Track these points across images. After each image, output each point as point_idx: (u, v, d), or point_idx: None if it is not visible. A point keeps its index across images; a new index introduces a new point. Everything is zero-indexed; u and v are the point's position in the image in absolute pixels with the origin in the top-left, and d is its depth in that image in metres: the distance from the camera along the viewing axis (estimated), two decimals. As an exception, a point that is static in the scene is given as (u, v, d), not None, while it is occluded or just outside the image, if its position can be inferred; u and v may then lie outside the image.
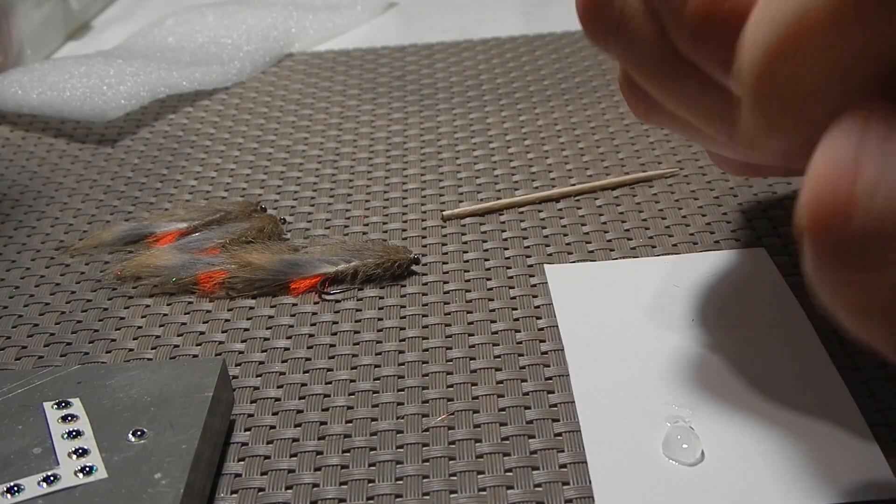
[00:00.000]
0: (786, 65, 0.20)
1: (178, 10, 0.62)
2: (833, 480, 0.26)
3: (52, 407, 0.29)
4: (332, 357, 0.34)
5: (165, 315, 0.36)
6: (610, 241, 0.38)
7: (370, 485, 0.28)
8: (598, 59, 0.54)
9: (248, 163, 0.47)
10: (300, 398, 0.32)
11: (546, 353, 0.33)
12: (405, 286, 0.37)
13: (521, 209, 0.41)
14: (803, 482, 0.26)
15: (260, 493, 0.28)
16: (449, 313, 0.35)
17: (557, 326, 0.34)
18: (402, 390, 0.32)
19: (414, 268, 0.38)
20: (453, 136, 0.48)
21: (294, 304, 0.36)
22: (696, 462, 0.27)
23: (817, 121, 0.21)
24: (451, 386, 0.32)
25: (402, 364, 0.33)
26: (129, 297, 0.37)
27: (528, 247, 0.38)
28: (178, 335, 0.35)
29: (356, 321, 0.35)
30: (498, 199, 0.42)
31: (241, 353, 0.34)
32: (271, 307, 0.36)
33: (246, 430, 0.31)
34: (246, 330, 0.35)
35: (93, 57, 0.55)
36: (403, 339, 0.34)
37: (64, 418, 0.29)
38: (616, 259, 0.37)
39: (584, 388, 0.31)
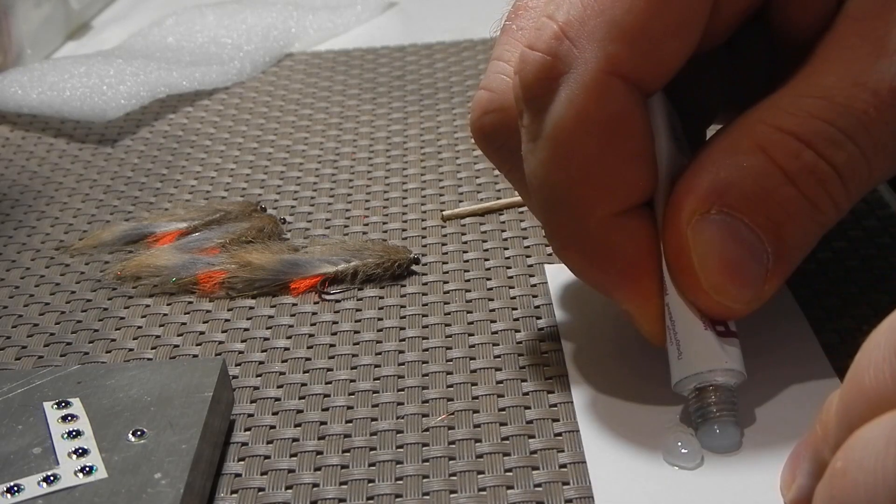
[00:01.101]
0: None
1: (178, 10, 0.61)
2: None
3: (52, 407, 0.29)
4: (332, 357, 0.34)
5: (165, 315, 0.36)
6: (610, 241, 0.38)
7: (370, 485, 0.28)
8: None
9: (248, 163, 0.47)
10: (300, 398, 0.32)
11: (546, 353, 0.33)
12: (405, 286, 0.37)
13: (521, 209, 0.41)
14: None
15: (260, 493, 0.28)
16: (449, 313, 0.35)
17: (557, 326, 0.34)
18: (402, 390, 0.32)
19: (414, 268, 0.38)
20: (453, 136, 0.48)
21: (294, 304, 0.36)
22: (696, 466, 0.27)
23: None
24: (451, 386, 0.32)
25: (402, 364, 0.33)
26: (129, 297, 0.37)
27: (528, 247, 0.38)
28: (178, 335, 0.35)
29: (356, 321, 0.35)
30: (498, 199, 0.42)
31: (241, 353, 0.34)
32: (271, 307, 0.36)
33: (246, 430, 0.31)
34: (246, 330, 0.35)
35: (93, 57, 0.55)
36: (403, 339, 0.34)
37: (64, 418, 0.29)
38: (616, 259, 0.37)
39: (583, 388, 0.31)
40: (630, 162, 0.27)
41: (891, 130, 0.25)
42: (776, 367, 0.30)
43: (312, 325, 0.35)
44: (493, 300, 0.36)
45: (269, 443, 0.30)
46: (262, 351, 0.34)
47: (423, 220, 0.41)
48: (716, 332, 0.27)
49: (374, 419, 0.31)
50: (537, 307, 0.35)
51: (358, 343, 0.34)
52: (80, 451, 0.27)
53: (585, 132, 0.26)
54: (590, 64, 0.26)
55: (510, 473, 0.28)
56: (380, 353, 0.34)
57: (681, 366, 0.27)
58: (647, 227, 0.28)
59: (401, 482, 0.28)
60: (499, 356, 0.33)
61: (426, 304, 0.36)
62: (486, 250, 0.39)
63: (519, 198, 0.41)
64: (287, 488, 0.29)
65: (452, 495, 0.28)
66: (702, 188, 0.26)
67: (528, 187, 0.28)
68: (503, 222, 0.40)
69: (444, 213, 0.41)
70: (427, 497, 0.28)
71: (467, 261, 0.38)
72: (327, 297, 0.37)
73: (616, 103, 0.26)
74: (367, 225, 0.41)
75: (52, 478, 0.27)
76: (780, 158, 0.26)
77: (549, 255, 0.38)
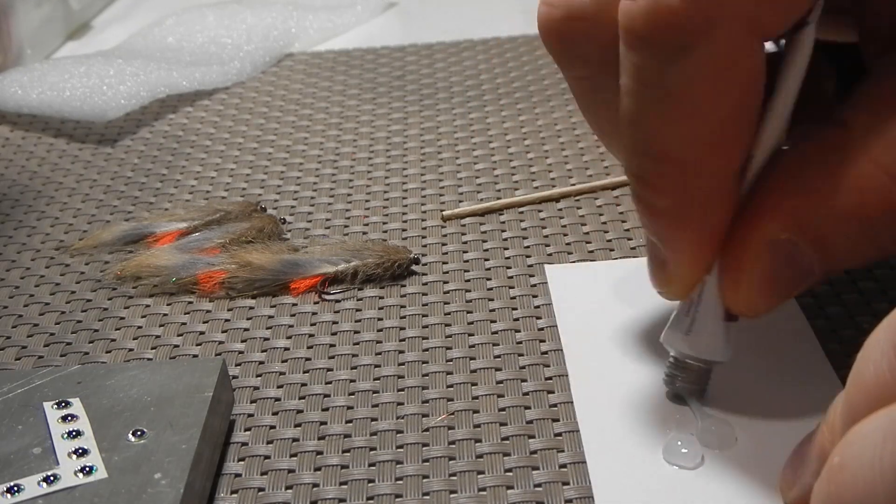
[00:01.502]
0: None
1: (178, 10, 0.61)
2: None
3: (52, 407, 0.29)
4: (332, 357, 0.34)
5: (165, 315, 0.36)
6: (610, 241, 0.38)
7: (370, 485, 0.28)
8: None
9: (248, 163, 0.47)
10: (300, 398, 0.32)
11: (546, 353, 0.33)
12: (405, 286, 0.37)
13: (521, 209, 0.41)
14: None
15: (260, 493, 0.28)
16: (449, 313, 0.35)
17: (557, 326, 0.34)
18: (402, 390, 0.32)
19: (414, 268, 0.38)
20: (453, 136, 0.48)
21: (294, 304, 0.36)
22: (696, 466, 0.27)
23: None
24: (451, 386, 0.32)
25: (402, 364, 0.33)
26: (129, 297, 0.37)
27: (528, 247, 0.38)
28: (178, 335, 0.35)
29: (356, 321, 0.35)
30: (498, 199, 0.42)
31: (241, 353, 0.34)
32: (271, 307, 0.36)
33: (246, 430, 0.31)
34: (246, 330, 0.35)
35: (93, 57, 0.55)
36: (403, 339, 0.34)
37: (64, 418, 0.29)
38: (616, 259, 0.37)
39: (583, 388, 0.31)
40: (750, 128, 0.25)
41: None
42: (777, 369, 0.30)
43: (312, 325, 0.35)
44: (493, 300, 0.36)
45: (269, 443, 0.30)
46: (262, 351, 0.34)
47: (423, 220, 0.41)
48: (727, 320, 0.27)
49: (374, 419, 0.31)
50: (537, 307, 0.35)
51: (358, 343, 0.34)
52: (80, 451, 0.27)
53: (718, 97, 0.24)
54: (733, 21, 0.23)
55: (510, 473, 0.28)
56: (380, 353, 0.34)
57: (687, 341, 0.28)
58: (735, 199, 0.26)
59: (401, 482, 0.28)
60: (499, 356, 0.33)
61: (426, 304, 0.36)
62: (486, 250, 0.39)
63: (519, 198, 0.41)
64: (287, 488, 0.29)
65: (452, 495, 0.28)
66: (786, 212, 0.25)
67: (622, 122, 0.26)
68: (503, 222, 0.40)
69: (444, 213, 0.41)
70: (427, 497, 0.28)
71: (467, 261, 0.38)
72: (327, 297, 0.37)
73: (754, 70, 0.24)
74: (367, 225, 0.41)
75: (52, 478, 0.27)
76: (873, 209, 0.24)
77: (549, 255, 0.38)
